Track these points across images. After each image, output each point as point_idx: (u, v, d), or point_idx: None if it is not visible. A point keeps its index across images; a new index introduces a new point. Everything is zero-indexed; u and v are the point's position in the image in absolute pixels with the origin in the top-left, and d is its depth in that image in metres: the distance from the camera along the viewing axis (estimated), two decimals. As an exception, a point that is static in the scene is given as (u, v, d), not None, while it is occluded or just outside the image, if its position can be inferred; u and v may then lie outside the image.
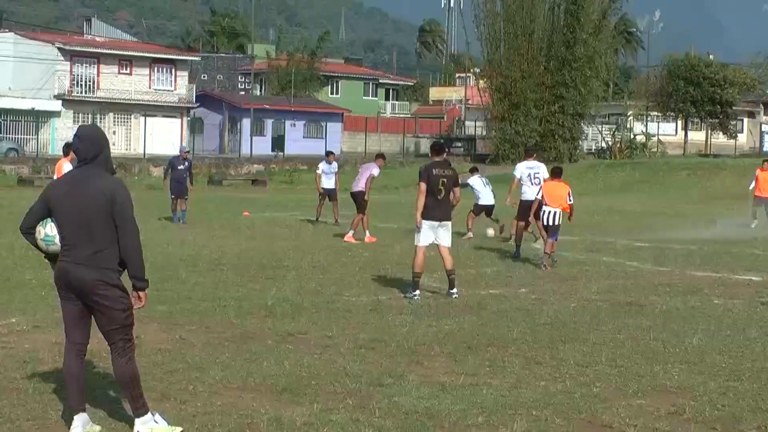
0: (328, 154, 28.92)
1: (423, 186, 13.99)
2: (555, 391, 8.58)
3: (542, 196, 18.49)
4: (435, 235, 14.02)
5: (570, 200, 18.42)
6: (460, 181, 14.78)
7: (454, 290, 14.01)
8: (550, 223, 18.15)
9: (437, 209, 13.96)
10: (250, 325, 11.42)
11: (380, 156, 24.20)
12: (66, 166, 20.70)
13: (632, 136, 74.99)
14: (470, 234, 23.33)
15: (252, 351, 9.92)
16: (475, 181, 24.38)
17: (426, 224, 14.00)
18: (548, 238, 18.06)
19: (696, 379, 9.09)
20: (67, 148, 21.91)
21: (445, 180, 13.96)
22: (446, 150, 14.78)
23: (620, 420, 7.71)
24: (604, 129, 76.04)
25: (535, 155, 21.28)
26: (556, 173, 18.81)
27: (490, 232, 23.80)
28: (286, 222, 27.77)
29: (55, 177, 21.01)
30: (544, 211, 18.24)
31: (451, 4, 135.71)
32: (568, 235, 23.39)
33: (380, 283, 15.32)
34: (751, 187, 30.16)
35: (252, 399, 8.09)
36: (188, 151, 29.58)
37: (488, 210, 24.22)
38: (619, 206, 38.61)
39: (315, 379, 8.76)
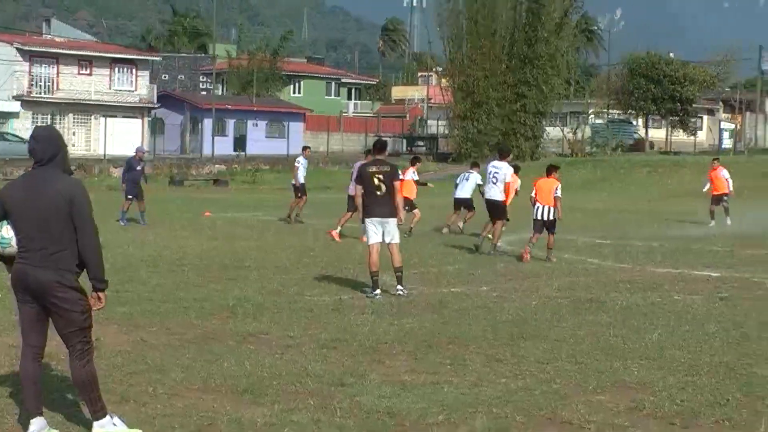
0: (305, 148, 29.64)
1: (358, 188, 14.21)
2: (515, 388, 8.61)
3: (534, 193, 19.26)
4: (383, 231, 14.03)
5: (557, 193, 19.03)
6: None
7: (400, 287, 14.01)
8: (543, 218, 18.98)
9: (377, 206, 13.97)
10: (211, 326, 11.37)
11: (370, 152, 24.28)
12: None
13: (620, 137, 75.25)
14: (445, 229, 24.43)
15: (213, 352, 9.88)
16: (459, 177, 25.33)
17: (369, 222, 14.04)
18: (548, 234, 18.97)
19: (655, 374, 9.15)
20: None
21: (381, 176, 13.93)
22: (387, 149, 14.78)
23: (580, 416, 7.74)
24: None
25: (506, 157, 21.33)
26: (549, 170, 19.65)
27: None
28: (248, 222, 27.70)
29: None
30: (537, 208, 19.07)
31: (414, 3, 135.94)
32: (529, 233, 23.52)
33: (342, 282, 15.31)
34: (705, 189, 30.51)
35: (213, 400, 8.05)
36: (144, 152, 29.39)
37: (458, 203, 24.62)
38: (581, 204, 38.76)
39: (276, 380, 8.74)
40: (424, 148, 76.98)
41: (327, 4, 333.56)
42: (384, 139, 17.09)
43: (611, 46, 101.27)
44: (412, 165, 25.20)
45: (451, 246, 21.20)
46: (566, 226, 26.00)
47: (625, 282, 15.78)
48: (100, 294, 6.90)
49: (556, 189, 19.10)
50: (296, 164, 28.13)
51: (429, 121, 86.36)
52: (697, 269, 17.69)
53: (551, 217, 19.02)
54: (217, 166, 61.75)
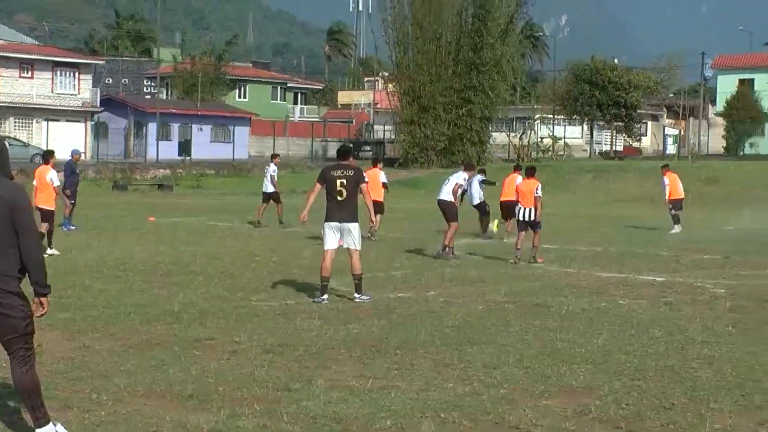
0: (275, 156, 30.04)
1: (316, 186, 14.13)
2: (463, 393, 8.59)
3: (517, 196, 20.13)
4: (342, 237, 13.98)
5: (537, 193, 19.71)
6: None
7: (358, 295, 13.96)
8: (527, 218, 19.70)
9: (338, 211, 13.89)
10: (156, 331, 11.25)
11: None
12: (51, 173, 20.20)
13: (539, 139, 75.99)
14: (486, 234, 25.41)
15: (158, 358, 9.77)
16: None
17: (327, 227, 13.97)
18: (533, 233, 19.67)
19: (601, 378, 9.19)
20: (48, 155, 21.41)
21: (344, 181, 13.83)
22: (351, 154, 14.72)
23: (527, 421, 7.74)
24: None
25: (463, 168, 22.11)
26: (529, 172, 20.53)
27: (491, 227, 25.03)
28: (193, 227, 27.48)
29: (34, 183, 20.42)
30: (519, 210, 19.87)
31: (360, 8, 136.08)
32: (476, 238, 23.62)
33: (289, 287, 15.23)
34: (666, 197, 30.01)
35: (157, 406, 7.95)
36: (81, 154, 29.14)
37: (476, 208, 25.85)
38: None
39: (222, 385, 8.66)
40: (371, 153, 77.00)
41: (272, 8, 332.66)
42: (348, 144, 17.15)
43: (556, 52, 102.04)
44: (375, 165, 25.11)
45: (398, 251, 21.18)
46: (512, 231, 26.17)
47: (570, 287, 15.86)
48: (43, 299, 6.80)
49: (537, 189, 19.77)
50: (272, 173, 28.29)
51: (375, 126, 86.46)
52: (642, 274, 17.82)
53: (534, 218, 19.65)
54: (161, 170, 61.24)
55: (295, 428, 7.43)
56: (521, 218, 19.87)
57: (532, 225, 19.72)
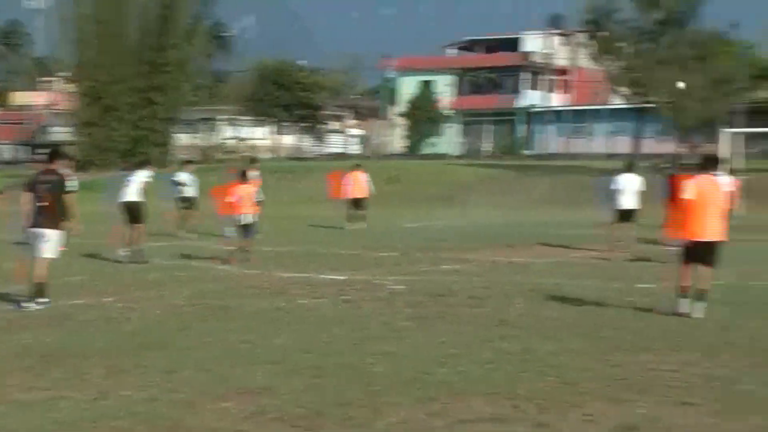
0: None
1: (27, 195, 13.70)
2: (139, 399, 8.35)
3: (237, 199, 19.94)
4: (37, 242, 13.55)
5: (261, 197, 20.64)
6: None
7: (31, 304, 13.36)
8: (247, 222, 19.92)
9: (36, 217, 13.62)
10: None
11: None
12: None
13: (223, 141, 75.94)
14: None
15: None
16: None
17: (30, 233, 13.65)
18: (244, 237, 19.90)
19: (280, 378, 9.16)
20: None
21: (48, 186, 13.63)
22: (60, 156, 14.32)
23: (204, 424, 7.62)
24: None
25: (143, 167, 21.64)
26: (243, 176, 20.39)
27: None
28: None
29: None
30: (239, 216, 19.87)
31: (36, 5, 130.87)
32: (155, 242, 23.18)
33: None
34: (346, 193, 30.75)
35: None
36: None
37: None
38: (209, 210, 38.63)
39: None
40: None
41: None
42: (60, 147, 16.61)
43: (243, 53, 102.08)
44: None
45: (75, 256, 20.37)
46: (191, 233, 25.97)
47: (253, 288, 15.84)
48: None
49: (256, 193, 20.52)
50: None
51: (54, 128, 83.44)
52: (323, 273, 18.00)
53: (251, 221, 20.00)
54: None
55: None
56: (241, 222, 19.91)
57: (247, 230, 19.99)
